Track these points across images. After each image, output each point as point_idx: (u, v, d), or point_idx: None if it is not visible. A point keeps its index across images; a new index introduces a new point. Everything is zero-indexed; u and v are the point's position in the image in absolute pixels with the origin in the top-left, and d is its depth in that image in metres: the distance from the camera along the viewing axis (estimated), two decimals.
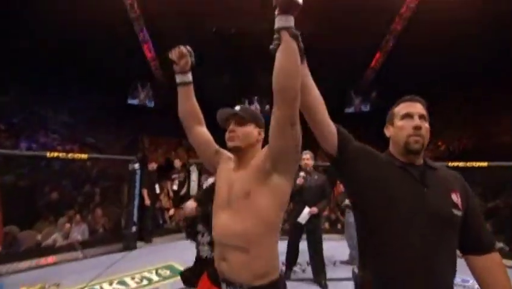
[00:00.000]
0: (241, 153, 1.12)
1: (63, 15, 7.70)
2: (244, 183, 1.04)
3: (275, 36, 0.90)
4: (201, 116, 1.25)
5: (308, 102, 1.00)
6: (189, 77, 1.20)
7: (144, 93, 16.71)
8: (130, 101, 15.34)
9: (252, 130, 1.14)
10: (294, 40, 0.88)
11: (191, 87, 1.22)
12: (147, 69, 12.43)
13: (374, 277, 0.98)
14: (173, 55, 1.17)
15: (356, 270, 1.08)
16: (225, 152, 1.24)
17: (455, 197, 0.99)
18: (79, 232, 4.60)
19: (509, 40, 8.23)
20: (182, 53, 1.16)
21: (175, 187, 5.76)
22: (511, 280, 0.96)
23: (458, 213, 0.97)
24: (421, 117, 1.03)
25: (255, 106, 16.93)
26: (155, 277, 3.33)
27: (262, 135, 1.17)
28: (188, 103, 1.22)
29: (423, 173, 1.01)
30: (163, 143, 16.84)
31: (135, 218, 4.39)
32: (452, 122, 9.85)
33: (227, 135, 1.13)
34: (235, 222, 1.02)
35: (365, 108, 13.27)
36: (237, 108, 1.16)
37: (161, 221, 5.95)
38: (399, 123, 1.06)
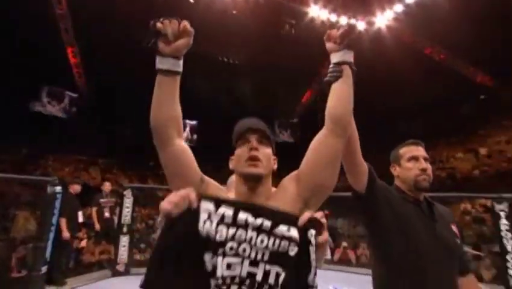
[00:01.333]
0: (257, 185, 0.85)
1: None
2: None
3: (333, 68, 0.92)
4: (182, 125, 0.90)
5: (349, 138, 1.04)
6: (181, 65, 0.86)
7: (56, 101, 14.37)
8: (36, 108, 12.90)
9: (271, 157, 0.89)
10: (353, 75, 0.92)
11: (178, 81, 0.87)
12: (67, 75, 10.81)
13: None
14: (168, 27, 0.79)
15: None
16: (211, 180, 0.91)
17: (455, 229, 1.20)
18: None
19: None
20: (185, 30, 0.81)
21: (107, 214, 4.81)
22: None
23: (459, 242, 1.18)
24: (425, 159, 1.21)
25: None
26: None
27: (276, 163, 0.92)
28: (174, 103, 0.85)
29: (430, 208, 1.20)
30: (72, 161, 14.53)
31: (47, 256, 3.44)
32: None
33: (247, 154, 0.84)
34: None
35: (290, 139, 14.47)
36: (257, 122, 0.90)
37: (72, 258, 4.81)
38: (406, 164, 1.22)
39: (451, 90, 12.81)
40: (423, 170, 1.18)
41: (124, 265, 4.28)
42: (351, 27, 0.90)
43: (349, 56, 0.92)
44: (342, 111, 0.88)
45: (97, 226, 4.82)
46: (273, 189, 0.91)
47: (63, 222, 3.88)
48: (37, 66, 9.34)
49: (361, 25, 9.08)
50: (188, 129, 18.85)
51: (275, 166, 0.91)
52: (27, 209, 7.56)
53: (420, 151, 1.22)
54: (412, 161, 1.21)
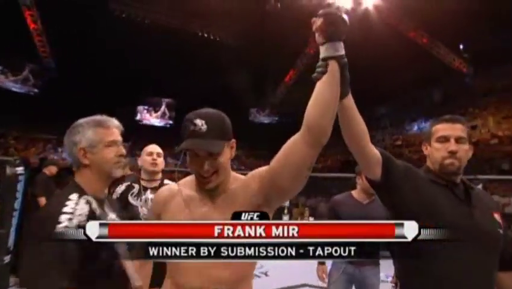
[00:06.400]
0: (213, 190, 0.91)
1: None
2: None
3: (320, 63, 0.81)
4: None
5: (355, 133, 0.98)
6: None
7: (13, 73, 13.03)
8: None
9: (227, 155, 0.89)
10: (342, 70, 0.81)
11: None
12: (27, 43, 9.73)
13: None
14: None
15: None
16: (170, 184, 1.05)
17: (498, 217, 1.06)
18: None
19: None
20: None
21: None
22: None
23: (501, 232, 1.04)
24: (458, 139, 1.06)
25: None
26: None
27: (234, 147, 0.93)
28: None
29: (466, 192, 1.06)
30: (38, 140, 13.61)
31: (10, 244, 3.08)
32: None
33: (199, 172, 0.86)
34: (219, 266, 0.83)
35: (274, 121, 14.51)
36: (201, 124, 0.83)
37: None
38: (434, 144, 1.09)
39: (426, 75, 13.25)
40: (452, 153, 1.04)
41: None
42: (328, 16, 0.77)
43: (334, 50, 0.79)
44: (316, 118, 0.79)
45: None
46: (239, 178, 0.94)
47: (43, 201, 3.59)
48: None
49: (348, 3, 8.87)
50: (164, 106, 18.07)
51: (233, 152, 0.92)
52: None
53: (454, 129, 1.07)
54: (441, 141, 1.07)
